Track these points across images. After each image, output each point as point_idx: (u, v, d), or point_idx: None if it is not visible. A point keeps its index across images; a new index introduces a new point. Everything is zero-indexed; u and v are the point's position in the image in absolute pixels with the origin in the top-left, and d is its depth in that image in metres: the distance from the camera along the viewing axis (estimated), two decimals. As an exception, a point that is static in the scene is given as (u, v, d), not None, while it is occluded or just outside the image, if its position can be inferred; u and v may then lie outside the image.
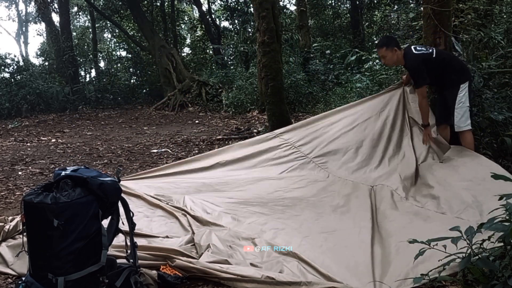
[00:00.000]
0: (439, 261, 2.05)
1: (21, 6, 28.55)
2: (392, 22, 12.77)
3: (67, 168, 2.26)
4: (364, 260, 2.55)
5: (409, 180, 3.76)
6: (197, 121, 10.40)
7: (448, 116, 4.10)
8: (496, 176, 2.08)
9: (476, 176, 3.42)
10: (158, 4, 17.48)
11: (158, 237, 3.01)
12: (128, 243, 2.34)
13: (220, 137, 7.41)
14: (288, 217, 3.19)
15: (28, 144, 8.18)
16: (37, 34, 35.20)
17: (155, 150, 6.83)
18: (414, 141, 4.22)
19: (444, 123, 4.22)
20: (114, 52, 20.48)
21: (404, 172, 3.89)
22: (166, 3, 17.84)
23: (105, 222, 2.28)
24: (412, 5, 9.68)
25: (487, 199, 3.04)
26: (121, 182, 2.37)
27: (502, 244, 1.93)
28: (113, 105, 14.59)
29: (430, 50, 4.10)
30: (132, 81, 17.77)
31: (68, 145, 7.84)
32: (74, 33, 19.86)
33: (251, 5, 12.32)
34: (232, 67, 15.01)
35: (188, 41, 20.68)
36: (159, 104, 13.04)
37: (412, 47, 4.15)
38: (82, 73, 18.99)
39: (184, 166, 4.53)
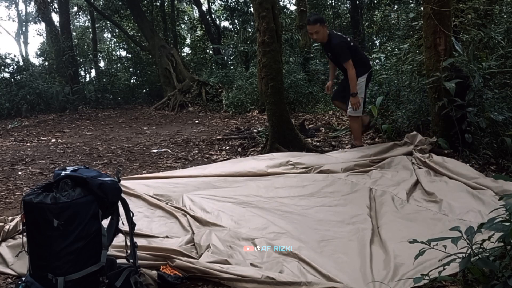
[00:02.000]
0: (439, 261, 2.05)
1: (21, 6, 28.61)
2: (392, 22, 12.76)
3: (67, 168, 2.26)
4: (364, 261, 2.55)
5: (409, 185, 3.77)
6: (197, 121, 10.39)
7: (343, 97, 5.21)
8: (496, 177, 2.09)
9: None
10: (158, 4, 17.47)
11: (158, 237, 3.01)
12: (128, 243, 2.34)
13: (220, 137, 7.41)
14: (288, 223, 3.16)
15: (28, 144, 8.18)
16: (37, 34, 35.28)
17: (155, 150, 6.82)
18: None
19: (337, 100, 5.43)
20: (114, 52, 20.47)
21: (404, 179, 3.91)
22: (166, 3, 17.83)
23: (105, 222, 2.28)
24: (412, 5, 9.68)
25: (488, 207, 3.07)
26: (121, 182, 2.37)
27: (502, 244, 1.93)
28: (113, 105, 14.58)
29: (348, 38, 5.10)
30: (132, 81, 17.74)
31: (68, 145, 7.84)
32: (74, 33, 19.85)
33: (251, 5, 12.32)
34: (232, 67, 15.00)
35: (188, 41, 20.66)
36: (159, 104, 13.03)
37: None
38: (82, 73, 18.98)
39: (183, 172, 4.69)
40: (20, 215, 2.60)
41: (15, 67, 14.68)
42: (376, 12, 15.95)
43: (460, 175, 3.81)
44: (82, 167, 2.31)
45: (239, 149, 6.32)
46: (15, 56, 15.23)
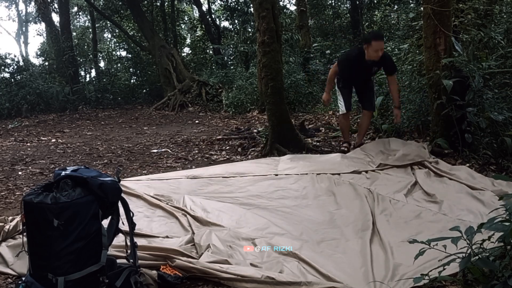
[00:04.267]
0: (439, 261, 2.05)
1: (21, 6, 28.54)
2: (392, 22, 12.78)
3: (67, 168, 2.26)
4: (364, 261, 2.55)
5: (409, 186, 3.77)
6: (197, 121, 10.40)
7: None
8: (496, 177, 2.09)
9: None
10: (158, 4, 17.46)
11: (158, 237, 3.01)
12: (128, 243, 2.34)
13: (220, 137, 7.41)
14: (288, 223, 3.16)
15: (28, 144, 8.18)
16: (37, 34, 35.19)
17: (155, 150, 6.82)
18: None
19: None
20: (114, 52, 20.46)
21: (403, 179, 3.91)
22: (166, 3, 17.82)
23: (105, 222, 2.28)
24: (412, 5, 9.69)
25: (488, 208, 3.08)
26: (121, 182, 2.37)
27: (502, 244, 1.93)
28: (113, 105, 14.57)
29: None
30: (132, 81, 17.73)
31: (68, 145, 7.84)
32: (74, 33, 19.83)
33: (251, 5, 12.32)
34: (232, 67, 15.00)
35: (188, 41, 20.66)
36: (159, 104, 13.02)
37: None
38: (82, 73, 18.97)
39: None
40: (20, 215, 2.61)
41: (15, 67, 14.68)
42: (376, 12, 15.95)
43: (459, 177, 3.81)
44: (82, 167, 2.32)
45: (239, 149, 6.32)
46: (15, 56, 15.24)
